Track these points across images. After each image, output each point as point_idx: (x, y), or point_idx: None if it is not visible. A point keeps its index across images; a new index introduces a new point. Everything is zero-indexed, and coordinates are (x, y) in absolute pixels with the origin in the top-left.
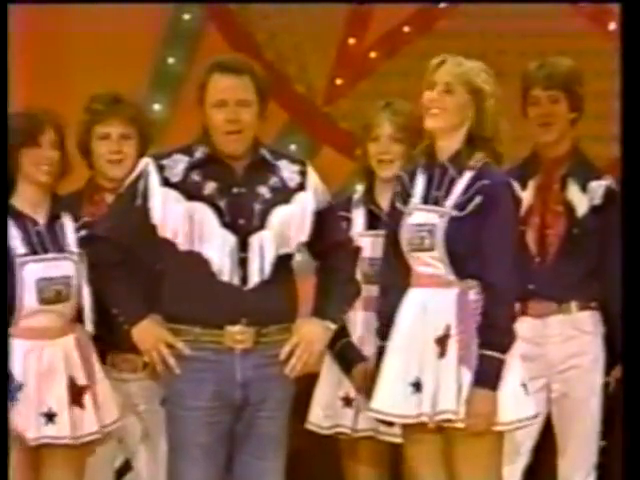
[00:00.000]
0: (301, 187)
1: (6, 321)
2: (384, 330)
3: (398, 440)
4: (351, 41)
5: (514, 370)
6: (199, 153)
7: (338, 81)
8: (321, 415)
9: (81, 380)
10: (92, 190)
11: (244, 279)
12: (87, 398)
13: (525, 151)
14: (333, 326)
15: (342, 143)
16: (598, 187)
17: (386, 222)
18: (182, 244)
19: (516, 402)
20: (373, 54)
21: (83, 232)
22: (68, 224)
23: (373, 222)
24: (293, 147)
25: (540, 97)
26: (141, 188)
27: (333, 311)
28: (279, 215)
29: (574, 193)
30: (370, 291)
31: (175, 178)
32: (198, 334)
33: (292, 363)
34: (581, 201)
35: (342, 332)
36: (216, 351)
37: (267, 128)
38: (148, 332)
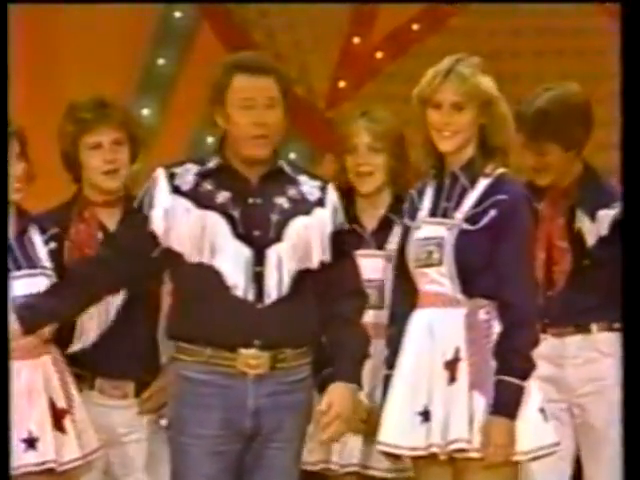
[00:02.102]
0: (320, 203)
1: (6, 327)
2: (392, 358)
3: (388, 475)
4: (355, 40)
5: (532, 393)
6: (212, 163)
7: (341, 83)
8: (306, 449)
9: (61, 403)
10: (81, 205)
11: (259, 296)
12: (68, 422)
13: None
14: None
15: None
16: (605, 216)
17: (399, 239)
18: (191, 255)
19: (534, 429)
20: (379, 54)
21: (52, 245)
22: (36, 238)
23: (356, 242)
24: (293, 155)
25: (530, 147)
26: (148, 197)
27: (355, 373)
28: (297, 226)
29: (583, 222)
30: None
31: (186, 186)
32: (209, 356)
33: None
34: (590, 231)
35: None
36: (227, 375)
37: None
38: None
